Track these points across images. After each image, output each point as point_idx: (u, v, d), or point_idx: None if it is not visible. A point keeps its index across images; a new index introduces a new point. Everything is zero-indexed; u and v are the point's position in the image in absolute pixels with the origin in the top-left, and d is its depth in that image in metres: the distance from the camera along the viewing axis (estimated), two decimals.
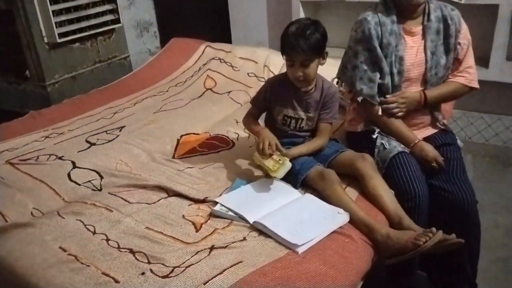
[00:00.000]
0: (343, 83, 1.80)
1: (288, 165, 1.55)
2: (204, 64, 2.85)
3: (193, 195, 1.59)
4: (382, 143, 1.70)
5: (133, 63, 3.73)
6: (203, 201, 1.56)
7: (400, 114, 1.71)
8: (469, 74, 1.77)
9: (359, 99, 1.73)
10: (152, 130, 2.13)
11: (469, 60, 1.76)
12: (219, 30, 3.71)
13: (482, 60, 2.64)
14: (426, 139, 1.75)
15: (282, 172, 1.55)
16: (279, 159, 1.56)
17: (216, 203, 1.52)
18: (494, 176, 2.59)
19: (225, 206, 1.49)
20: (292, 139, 1.73)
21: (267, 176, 1.62)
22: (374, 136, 1.72)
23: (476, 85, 1.78)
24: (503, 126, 2.83)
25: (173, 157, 1.92)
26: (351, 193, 1.58)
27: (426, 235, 1.33)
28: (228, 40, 3.67)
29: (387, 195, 1.54)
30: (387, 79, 1.68)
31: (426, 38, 1.69)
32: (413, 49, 1.70)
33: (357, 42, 1.70)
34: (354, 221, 1.44)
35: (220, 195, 1.59)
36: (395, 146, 1.68)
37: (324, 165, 1.66)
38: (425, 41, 1.69)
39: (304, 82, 1.63)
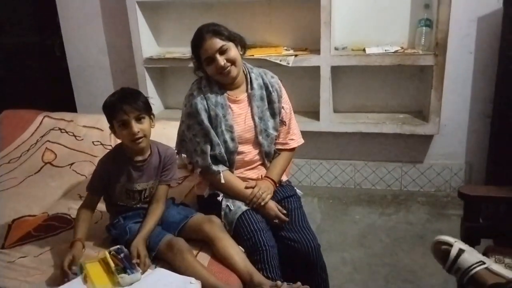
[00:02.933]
0: (183, 155, 1.84)
1: (135, 277, 1.42)
2: (42, 136, 2.63)
3: None
4: (227, 205, 1.74)
5: None
6: None
7: (267, 199, 1.75)
8: (295, 137, 1.93)
9: (198, 170, 1.79)
10: None
11: (292, 124, 1.92)
12: (62, 99, 3.51)
13: (314, 114, 2.97)
14: None
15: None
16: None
17: None
18: (338, 216, 2.85)
19: None
20: (138, 211, 1.67)
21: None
22: (220, 199, 1.76)
23: (301, 142, 1.97)
24: (340, 169, 3.17)
25: (3, 247, 1.69)
26: (204, 258, 1.57)
27: None
28: (73, 109, 3.49)
29: (236, 254, 1.56)
30: (218, 149, 1.74)
31: (252, 105, 1.79)
32: (241, 116, 1.80)
33: (188, 117, 1.76)
34: None
35: (58, 285, 1.42)
36: (240, 207, 1.73)
37: (174, 233, 1.63)
38: (251, 108, 1.80)
39: (143, 141, 1.59)
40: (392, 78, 2.93)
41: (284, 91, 1.90)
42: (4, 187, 2.14)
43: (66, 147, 2.53)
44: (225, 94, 1.77)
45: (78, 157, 2.43)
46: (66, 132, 2.63)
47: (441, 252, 1.33)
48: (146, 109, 1.59)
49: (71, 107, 3.48)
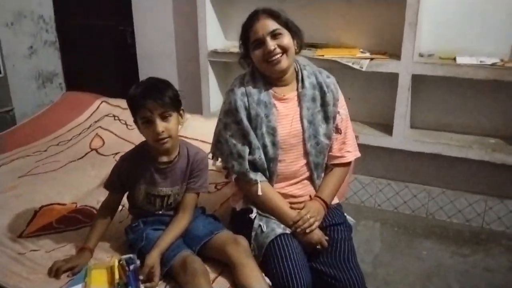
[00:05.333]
0: (218, 158, 1.62)
1: None
2: (96, 121, 2.58)
3: None
4: (260, 225, 1.49)
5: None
6: None
7: (315, 226, 1.50)
8: (351, 149, 1.65)
9: (233, 177, 1.56)
10: (8, 199, 1.80)
11: (349, 133, 1.64)
12: (128, 85, 3.49)
13: (386, 127, 2.61)
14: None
15: None
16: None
17: None
18: (401, 248, 2.47)
19: None
20: (160, 218, 1.48)
21: None
22: (252, 216, 1.51)
23: (357, 155, 1.67)
24: (411, 194, 2.77)
25: (21, 235, 1.59)
26: (222, 284, 1.34)
27: None
28: None
29: None
30: (258, 154, 1.51)
31: (302, 106, 1.54)
32: (287, 118, 1.55)
33: (226, 114, 1.55)
34: None
35: None
36: (274, 229, 1.47)
37: (195, 249, 1.42)
38: (300, 109, 1.55)
39: (169, 142, 1.41)
40: (486, 95, 2.48)
41: (341, 94, 1.62)
42: (45, 169, 2.09)
43: (116, 135, 2.44)
44: (270, 90, 1.54)
45: (124, 147, 2.28)
46: (119, 120, 2.55)
47: None
48: (173, 105, 1.40)
49: None
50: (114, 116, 2.58)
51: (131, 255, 1.35)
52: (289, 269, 1.36)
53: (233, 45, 2.99)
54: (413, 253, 2.43)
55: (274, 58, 1.47)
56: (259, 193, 1.50)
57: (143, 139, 2.41)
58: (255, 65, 1.55)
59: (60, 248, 1.50)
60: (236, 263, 1.34)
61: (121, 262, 1.33)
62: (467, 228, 2.63)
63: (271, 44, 1.46)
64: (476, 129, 2.57)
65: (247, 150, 1.51)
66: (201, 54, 2.91)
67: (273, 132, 1.51)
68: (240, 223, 1.55)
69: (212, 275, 1.34)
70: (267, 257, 1.41)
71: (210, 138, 2.12)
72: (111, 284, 1.27)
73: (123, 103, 2.69)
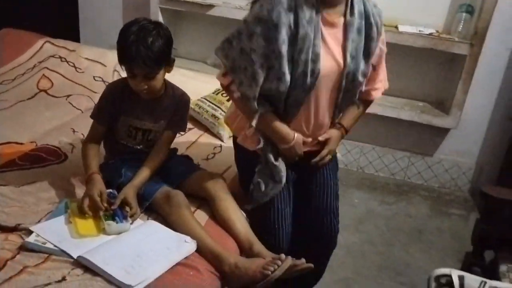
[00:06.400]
0: (220, 62, 1.36)
1: (122, 227, 1.28)
2: (41, 62, 2.44)
3: (1, 221, 1.25)
4: (258, 182, 1.43)
5: None
6: (14, 229, 1.24)
7: (327, 160, 1.47)
8: (380, 85, 1.51)
9: (236, 94, 1.34)
10: None
11: (381, 70, 1.48)
12: (65, 29, 3.28)
13: None
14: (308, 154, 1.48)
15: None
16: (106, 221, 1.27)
17: (31, 232, 1.21)
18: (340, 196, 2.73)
19: (41, 237, 1.19)
20: (139, 155, 1.51)
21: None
22: (256, 170, 1.44)
23: (386, 86, 1.55)
24: (345, 149, 3.01)
25: None
26: (201, 217, 1.44)
27: (274, 263, 1.24)
28: (76, 41, 3.28)
29: (238, 219, 1.43)
30: (277, 85, 1.28)
31: (347, 37, 1.33)
32: (330, 46, 1.33)
33: (257, 22, 1.25)
34: (201, 250, 1.29)
35: (39, 221, 1.28)
36: (272, 189, 1.43)
37: (174, 186, 1.48)
38: (345, 40, 1.33)
39: (149, 94, 1.44)
40: (420, 62, 2.75)
41: (383, 27, 1.43)
42: None
43: (65, 77, 2.35)
44: (320, 8, 1.28)
45: (76, 90, 2.26)
46: (67, 62, 2.44)
47: (444, 285, 1.29)
48: (160, 63, 1.36)
49: (74, 40, 3.27)
50: (60, 57, 2.47)
51: (111, 190, 1.39)
52: (276, 215, 1.45)
53: None
54: (347, 201, 2.70)
55: None
56: (253, 124, 1.35)
57: (94, 83, 2.37)
58: None
59: (29, 184, 1.47)
60: (215, 197, 1.44)
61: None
62: (392, 181, 2.97)
63: None
64: (407, 93, 2.85)
65: (262, 76, 1.28)
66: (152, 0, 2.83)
67: (315, 59, 1.28)
68: (243, 159, 1.54)
69: (192, 208, 1.43)
70: (258, 211, 1.47)
71: None
72: (96, 216, 1.30)
73: (68, 44, 2.59)
